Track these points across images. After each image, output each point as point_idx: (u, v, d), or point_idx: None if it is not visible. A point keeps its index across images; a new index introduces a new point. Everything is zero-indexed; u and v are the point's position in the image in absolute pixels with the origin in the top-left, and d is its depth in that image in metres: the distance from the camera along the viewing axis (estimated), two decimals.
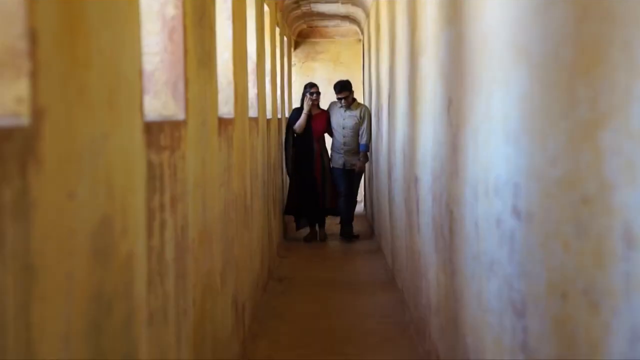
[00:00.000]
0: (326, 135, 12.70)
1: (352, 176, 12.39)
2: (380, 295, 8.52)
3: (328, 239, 12.42)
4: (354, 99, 12.54)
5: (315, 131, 12.33)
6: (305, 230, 12.57)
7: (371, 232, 12.96)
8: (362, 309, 8.05)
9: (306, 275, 9.56)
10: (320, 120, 12.38)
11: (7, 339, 1.73)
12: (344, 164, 12.33)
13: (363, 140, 12.38)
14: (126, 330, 2.75)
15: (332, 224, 12.97)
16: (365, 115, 12.40)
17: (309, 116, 12.29)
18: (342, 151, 12.35)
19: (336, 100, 12.47)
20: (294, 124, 12.24)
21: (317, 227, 12.47)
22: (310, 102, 12.21)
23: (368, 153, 12.78)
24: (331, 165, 12.43)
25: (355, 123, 12.38)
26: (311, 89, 12.35)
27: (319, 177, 12.39)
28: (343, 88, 12.33)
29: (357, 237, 12.35)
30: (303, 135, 12.28)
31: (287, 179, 12.67)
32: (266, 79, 10.21)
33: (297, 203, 12.30)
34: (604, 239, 2.12)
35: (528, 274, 2.91)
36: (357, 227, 12.80)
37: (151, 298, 3.16)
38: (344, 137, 12.37)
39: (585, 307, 2.28)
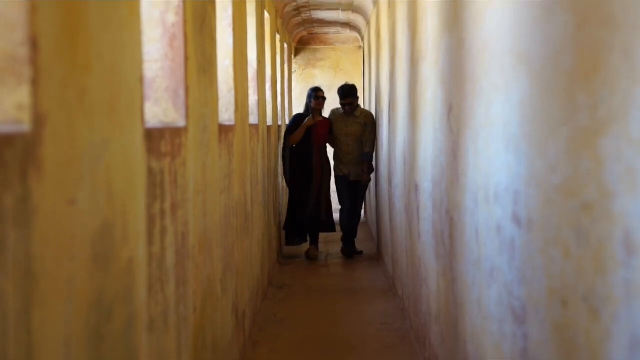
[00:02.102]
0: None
1: (356, 189, 11.51)
2: (381, 302, 8.52)
3: (319, 258, 11.40)
4: (358, 105, 11.61)
5: (316, 139, 11.33)
6: (295, 247, 11.70)
7: (371, 239, 12.96)
8: (363, 316, 8.05)
9: (306, 282, 9.57)
10: (322, 128, 11.36)
11: (8, 344, 1.74)
12: (349, 174, 11.40)
13: (366, 149, 11.39)
14: (126, 336, 2.76)
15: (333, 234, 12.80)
16: (369, 122, 11.43)
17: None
18: (345, 161, 11.41)
19: (339, 106, 11.65)
20: (294, 130, 11.26)
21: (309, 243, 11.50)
22: (317, 112, 11.35)
23: (373, 163, 11.65)
24: (335, 174, 11.53)
25: (359, 130, 11.40)
26: (317, 93, 11.39)
27: (317, 189, 11.30)
28: (348, 94, 11.43)
29: (360, 253, 11.55)
30: (302, 144, 11.24)
31: (286, 188, 11.95)
32: (266, 85, 10.22)
33: (294, 217, 11.32)
34: (604, 245, 2.12)
35: (528, 281, 2.91)
36: (358, 233, 11.93)
37: (152, 304, 3.16)
38: (347, 145, 11.40)
39: (586, 313, 2.28)
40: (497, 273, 3.43)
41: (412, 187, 7.04)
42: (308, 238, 11.48)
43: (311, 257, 11.32)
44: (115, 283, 2.61)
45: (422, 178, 6.20)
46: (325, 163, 11.46)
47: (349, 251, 11.46)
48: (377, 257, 11.31)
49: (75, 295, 2.19)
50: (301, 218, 11.25)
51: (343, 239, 11.56)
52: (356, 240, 11.80)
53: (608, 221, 2.09)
